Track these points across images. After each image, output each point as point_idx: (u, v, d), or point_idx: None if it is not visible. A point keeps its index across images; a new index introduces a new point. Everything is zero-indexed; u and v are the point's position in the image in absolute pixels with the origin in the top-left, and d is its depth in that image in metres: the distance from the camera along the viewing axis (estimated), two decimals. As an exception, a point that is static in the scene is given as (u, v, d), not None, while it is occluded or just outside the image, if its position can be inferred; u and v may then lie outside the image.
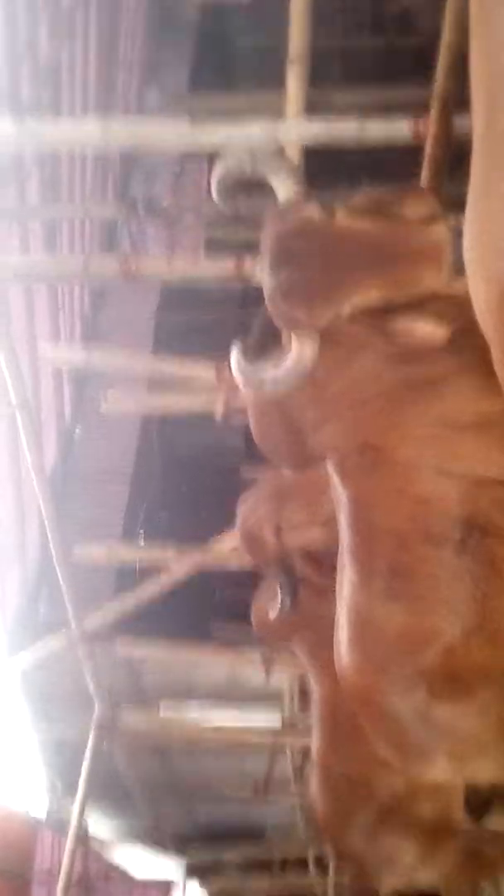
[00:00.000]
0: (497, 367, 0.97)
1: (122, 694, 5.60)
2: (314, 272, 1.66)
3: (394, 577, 2.05)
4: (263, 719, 5.34)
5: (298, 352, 1.75)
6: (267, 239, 1.75)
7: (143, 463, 6.53)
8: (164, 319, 7.48)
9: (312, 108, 2.48)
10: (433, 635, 2.05)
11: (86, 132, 2.06)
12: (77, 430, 6.80)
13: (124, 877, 7.63)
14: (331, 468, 2.11)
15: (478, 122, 0.95)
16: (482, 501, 1.96)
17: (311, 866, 6.52)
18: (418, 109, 2.30)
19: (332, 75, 9.32)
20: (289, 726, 4.80)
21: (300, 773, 5.57)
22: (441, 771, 2.24)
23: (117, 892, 7.66)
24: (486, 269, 0.93)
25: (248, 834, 7.14)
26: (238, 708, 5.56)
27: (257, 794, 5.32)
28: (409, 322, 1.77)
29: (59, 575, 3.77)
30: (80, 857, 6.96)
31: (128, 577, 5.28)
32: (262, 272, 1.75)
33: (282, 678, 5.03)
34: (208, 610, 5.65)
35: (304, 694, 4.55)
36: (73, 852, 5.09)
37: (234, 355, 1.85)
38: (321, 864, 6.27)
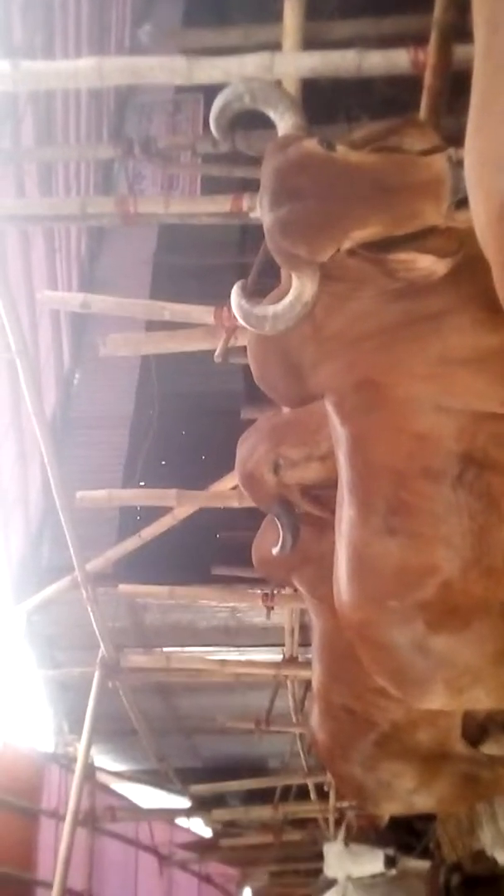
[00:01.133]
0: (497, 285, 0.98)
1: (126, 635, 5.71)
2: (314, 206, 1.65)
3: (392, 513, 2.09)
4: (265, 656, 5.45)
5: (299, 289, 1.75)
6: (266, 173, 1.74)
7: (144, 407, 6.54)
8: (162, 262, 7.43)
9: (310, 41, 2.44)
10: (431, 569, 2.10)
11: (81, 70, 2.03)
12: (76, 376, 6.80)
13: (130, 811, 7.85)
14: (329, 406, 2.13)
15: (478, 42, 0.95)
16: (479, 436, 1.98)
17: (312, 795, 6.71)
18: (418, 40, 2.27)
19: (329, 6, 9.06)
20: (290, 660, 4.90)
21: (301, 706, 5.70)
22: (438, 700, 2.30)
23: (123, 826, 7.87)
24: (486, 184, 0.93)
25: (251, 766, 7.36)
26: (240, 647, 5.68)
27: (258, 727, 5.44)
28: (409, 256, 1.77)
29: (62, 519, 3.81)
30: (86, 794, 7.22)
31: (130, 519, 5.34)
32: (261, 207, 1.74)
33: (283, 614, 5.12)
34: (210, 552, 5.72)
35: (305, 629, 4.64)
36: (80, 789, 5.22)
37: (234, 295, 1.85)
38: (321, 793, 6.47)
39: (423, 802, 3.22)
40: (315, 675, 3.14)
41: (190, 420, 6.75)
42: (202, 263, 6.92)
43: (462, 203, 1.60)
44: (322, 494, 2.74)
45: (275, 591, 4.17)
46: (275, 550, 2.73)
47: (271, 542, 2.80)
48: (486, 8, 0.91)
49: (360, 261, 1.82)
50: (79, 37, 6.24)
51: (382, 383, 2.01)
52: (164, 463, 6.64)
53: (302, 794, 7.02)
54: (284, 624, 5.14)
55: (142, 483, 6.42)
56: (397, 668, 2.28)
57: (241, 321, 1.80)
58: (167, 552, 4.91)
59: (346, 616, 2.26)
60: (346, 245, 1.70)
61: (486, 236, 0.94)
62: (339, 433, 2.13)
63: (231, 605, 5.63)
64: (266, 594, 4.15)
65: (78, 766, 5.19)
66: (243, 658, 5.47)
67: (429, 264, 1.75)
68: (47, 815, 6.94)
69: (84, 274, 7.15)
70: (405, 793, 3.16)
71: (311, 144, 1.69)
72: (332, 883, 5.86)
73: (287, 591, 4.19)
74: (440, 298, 1.89)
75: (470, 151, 0.99)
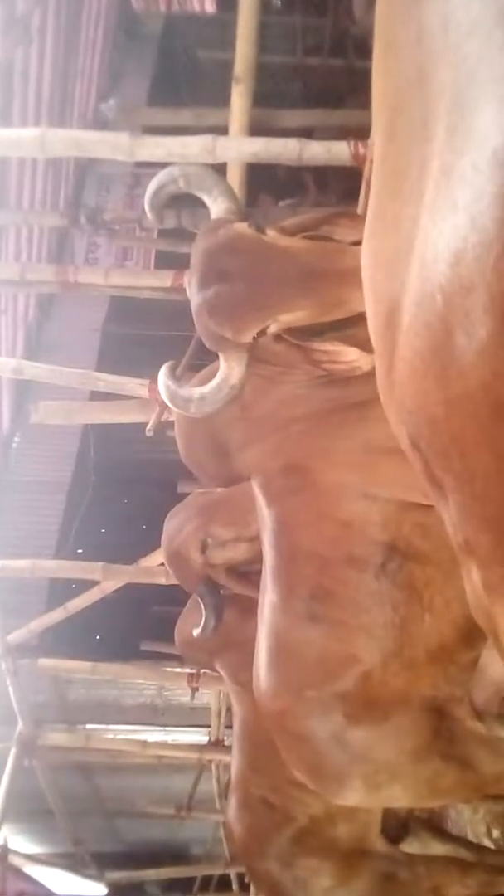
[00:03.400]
0: (379, 383, 0.97)
1: (49, 710, 5.50)
2: (241, 288, 1.65)
3: (314, 600, 2.05)
4: (191, 738, 5.29)
5: (226, 372, 1.74)
6: (196, 254, 1.74)
7: (81, 475, 6.45)
8: (111, 331, 7.43)
9: (260, 128, 2.49)
10: (351, 659, 2.05)
11: (24, 139, 2.04)
12: (16, 439, 6.69)
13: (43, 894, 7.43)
14: (255, 488, 2.10)
15: (376, 148, 0.95)
16: (404, 526, 1.97)
17: (234, 885, 6.45)
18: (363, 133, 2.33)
19: (291, 93, 9.43)
20: (215, 743, 4.75)
21: (225, 791, 5.51)
22: (355, 796, 2.22)
23: (35, 913, 7.44)
24: (377, 287, 0.93)
25: (173, 852, 7.06)
26: (165, 727, 5.50)
27: (180, 812, 5.24)
28: (334, 347, 1.77)
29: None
30: (-1, 876, 6.82)
31: (61, 589, 5.19)
32: (189, 288, 1.74)
33: (210, 696, 4.99)
34: (140, 626, 5.58)
35: (231, 712, 4.52)
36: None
37: (162, 375, 1.83)
38: (243, 884, 6.22)
39: (340, 902, 3.09)
40: (234, 764, 3.04)
41: (128, 489, 6.68)
42: (153, 334, 6.94)
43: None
44: (249, 572, 2.68)
45: (201, 672, 4.05)
46: (196, 632, 2.65)
47: (194, 624, 2.73)
48: (384, 117, 0.91)
49: (287, 347, 1.82)
50: (39, 106, 6.32)
51: (309, 468, 1.99)
52: (102, 531, 6.53)
53: (223, 883, 6.75)
54: (212, 705, 5.01)
55: (79, 550, 6.29)
56: (315, 761, 2.20)
57: (167, 402, 1.78)
58: (95, 625, 4.78)
59: (264, 704, 2.19)
60: (273, 329, 1.70)
61: (375, 339, 0.93)
62: (264, 515, 2.10)
63: (158, 683, 5.47)
64: (191, 674, 4.03)
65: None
66: (169, 738, 5.30)
67: (354, 357, 1.75)
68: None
69: (31, 339, 7.10)
70: (322, 891, 3.04)
71: (242, 227, 1.70)
72: None
73: (214, 672, 4.09)
74: (366, 387, 1.89)
75: (365, 254, 0.99)
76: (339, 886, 3.04)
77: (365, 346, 1.77)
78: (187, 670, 4.41)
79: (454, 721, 2.16)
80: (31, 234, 6.76)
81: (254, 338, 1.71)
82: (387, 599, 1.98)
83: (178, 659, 4.72)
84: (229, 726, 4.80)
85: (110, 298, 7.23)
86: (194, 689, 4.09)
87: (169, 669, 4.55)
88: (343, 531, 1.99)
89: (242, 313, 1.66)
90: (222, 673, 2.92)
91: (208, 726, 5.16)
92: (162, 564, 3.34)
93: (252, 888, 6.08)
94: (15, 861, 7.19)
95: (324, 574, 2.02)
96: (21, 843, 7.38)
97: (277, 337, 1.77)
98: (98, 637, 4.85)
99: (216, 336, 1.70)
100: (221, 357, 1.74)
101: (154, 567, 3.44)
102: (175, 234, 3.97)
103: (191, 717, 5.54)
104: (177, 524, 2.62)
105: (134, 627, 5.48)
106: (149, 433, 2.61)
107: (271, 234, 1.70)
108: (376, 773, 2.17)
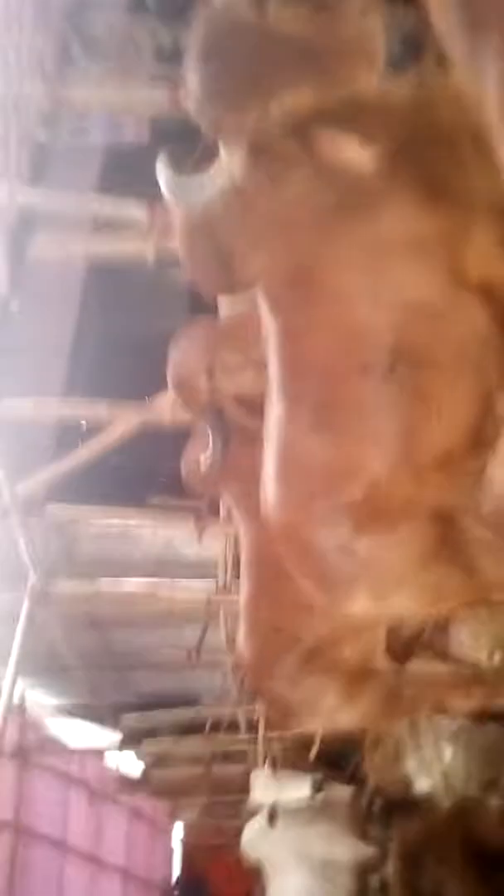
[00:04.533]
0: None
1: (58, 568, 5.61)
2: (241, 69, 1.57)
3: (321, 410, 2.04)
4: (198, 589, 5.42)
5: (226, 159, 1.67)
6: (194, 38, 1.64)
7: (85, 319, 6.31)
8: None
9: None
10: (359, 469, 2.06)
11: None
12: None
13: (61, 747, 7.86)
14: (260, 298, 2.05)
15: None
16: (411, 328, 1.93)
17: (242, 728, 6.78)
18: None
19: None
20: (223, 589, 4.88)
21: (233, 639, 5.71)
22: (362, 605, 2.28)
23: (54, 762, 7.89)
24: None
25: (184, 702, 7.38)
26: (174, 579, 5.61)
27: (190, 659, 5.44)
28: (337, 136, 1.69)
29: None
30: (17, 729, 7.17)
31: (68, 445, 5.16)
32: (188, 73, 1.65)
33: (216, 547, 5.09)
34: (147, 481, 5.61)
35: (238, 562, 4.61)
36: (5, 721, 5.17)
37: (161, 163, 1.76)
38: (251, 726, 6.54)
39: (346, 719, 3.24)
40: (243, 591, 3.11)
41: (133, 331, 6.51)
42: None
43: (398, 69, 1.53)
44: (255, 404, 2.67)
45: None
46: (203, 459, 2.66)
47: (201, 453, 2.74)
48: None
49: (291, 140, 1.74)
50: None
51: (316, 273, 1.94)
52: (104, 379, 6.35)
53: (233, 728, 7.08)
54: (218, 556, 5.12)
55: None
56: (322, 572, 2.25)
57: (164, 190, 1.71)
58: (103, 479, 4.82)
59: (272, 518, 2.21)
60: (275, 112, 1.61)
61: None
62: (269, 326, 2.06)
63: (166, 536, 5.57)
64: (198, 518, 4.09)
65: (2, 698, 5.13)
66: (178, 587, 5.42)
67: (357, 146, 1.67)
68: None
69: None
70: (329, 709, 3.18)
71: (241, 6, 1.60)
72: (258, 810, 5.95)
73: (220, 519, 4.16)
74: (377, 183, 1.82)
75: None
76: (345, 704, 3.17)
77: (365, 137, 1.69)
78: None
79: (460, 530, 2.19)
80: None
81: (255, 124, 1.63)
82: (394, 405, 1.97)
83: (184, 511, 4.78)
84: (236, 577, 4.92)
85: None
86: (201, 533, 4.16)
87: (176, 516, 4.59)
88: (350, 336, 1.96)
89: (241, 92, 1.58)
90: (229, 501, 2.95)
91: (213, 578, 5.29)
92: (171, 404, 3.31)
93: (260, 728, 6.42)
94: (33, 713, 7.58)
95: (330, 383, 2.01)
96: (40, 696, 7.73)
97: (281, 126, 1.69)
98: (106, 492, 4.87)
99: (215, 120, 1.62)
100: (221, 144, 1.66)
101: (159, 405, 3.43)
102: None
103: (199, 570, 5.65)
104: (183, 350, 2.59)
105: (141, 482, 5.51)
106: (150, 262, 2.54)
107: (272, 9, 1.60)
108: (383, 582, 2.22)
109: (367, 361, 1.95)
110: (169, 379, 2.65)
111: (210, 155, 1.91)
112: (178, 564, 5.65)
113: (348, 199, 1.86)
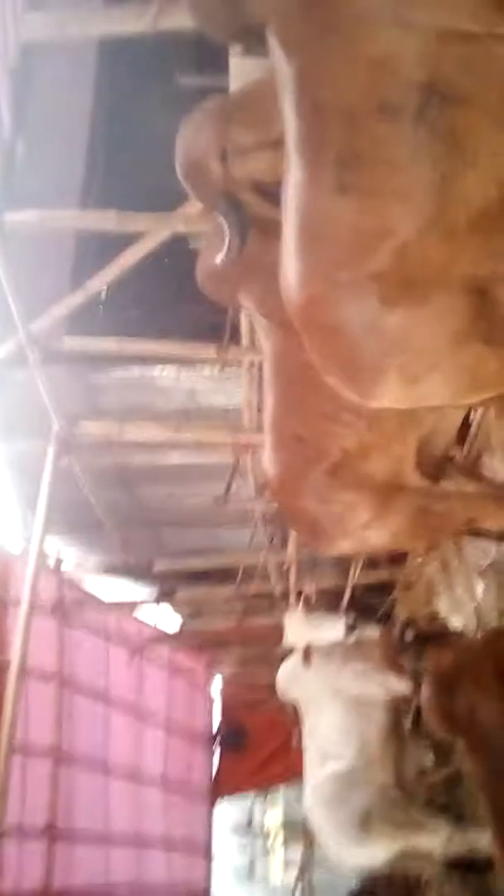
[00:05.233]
0: None
1: (80, 416, 5.52)
2: None
3: (343, 167, 1.83)
4: (224, 438, 5.33)
5: None
6: None
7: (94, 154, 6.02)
8: None
9: None
10: (386, 233, 1.86)
11: None
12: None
13: (99, 603, 8.05)
14: (273, 40, 1.82)
15: None
16: (445, 61, 1.70)
17: (273, 577, 6.86)
18: None
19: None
20: (249, 430, 4.79)
21: (261, 490, 5.67)
22: (392, 392, 2.13)
23: (93, 618, 8.08)
24: None
25: (214, 553, 7.47)
26: (198, 428, 5.51)
27: (217, 503, 5.40)
28: None
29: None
30: (55, 585, 7.32)
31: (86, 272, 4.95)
32: None
33: (240, 395, 4.98)
34: (166, 315, 5.42)
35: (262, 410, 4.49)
36: (38, 573, 5.20)
37: None
38: (282, 573, 6.60)
39: (376, 538, 3.17)
40: (266, 407, 2.99)
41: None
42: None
43: None
44: (275, 192, 2.46)
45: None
46: (220, 258, 2.47)
47: (217, 253, 2.55)
48: None
49: None
50: None
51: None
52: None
53: (265, 578, 7.16)
54: (243, 403, 5.01)
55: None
56: (348, 356, 2.09)
57: None
58: (122, 312, 4.64)
59: (293, 298, 2.04)
60: None
61: None
62: (284, 74, 1.83)
63: (188, 385, 5.44)
64: (219, 347, 3.94)
65: (32, 547, 5.16)
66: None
67: None
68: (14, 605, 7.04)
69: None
70: (359, 527, 3.10)
71: None
72: (292, 651, 6.05)
73: (242, 346, 4.00)
74: None
75: None
76: (375, 521, 3.09)
77: None
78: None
79: (497, 304, 2.02)
80: None
81: None
82: (424, 154, 1.76)
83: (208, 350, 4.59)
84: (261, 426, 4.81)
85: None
86: (223, 361, 4.01)
87: (196, 345, 4.43)
88: (374, 73, 1.73)
89: None
90: (249, 305, 2.78)
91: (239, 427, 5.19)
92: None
93: (291, 573, 6.47)
94: (70, 571, 7.72)
95: (353, 131, 1.79)
96: (74, 555, 7.86)
97: None
98: (124, 329, 4.69)
99: None
100: None
101: (170, 216, 3.22)
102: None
103: (224, 419, 5.55)
104: (193, 130, 2.36)
105: (163, 316, 5.32)
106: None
107: None
108: (414, 363, 2.07)
109: (394, 101, 1.73)
110: (177, 166, 2.43)
111: None
112: (203, 416, 5.54)
113: None
